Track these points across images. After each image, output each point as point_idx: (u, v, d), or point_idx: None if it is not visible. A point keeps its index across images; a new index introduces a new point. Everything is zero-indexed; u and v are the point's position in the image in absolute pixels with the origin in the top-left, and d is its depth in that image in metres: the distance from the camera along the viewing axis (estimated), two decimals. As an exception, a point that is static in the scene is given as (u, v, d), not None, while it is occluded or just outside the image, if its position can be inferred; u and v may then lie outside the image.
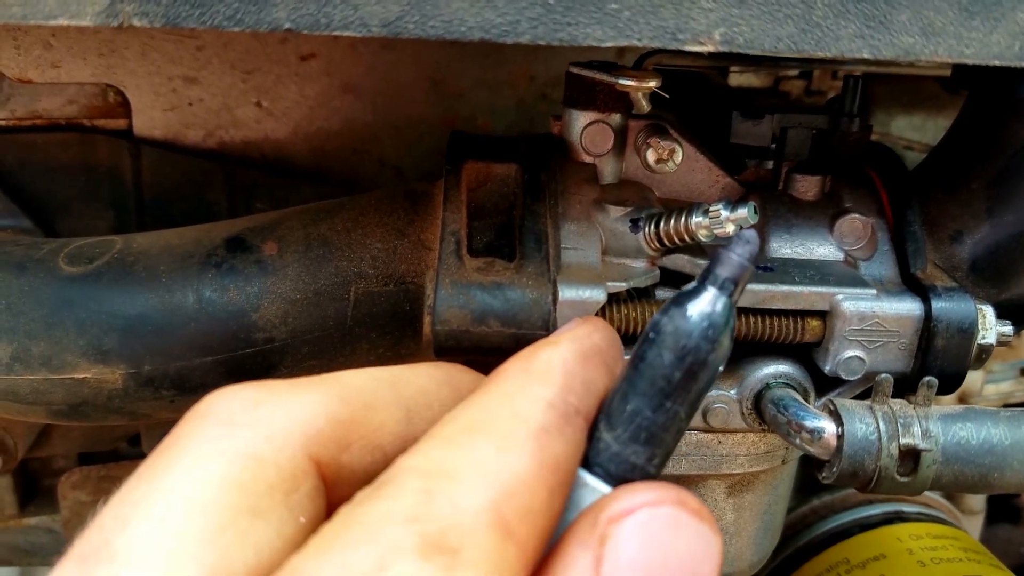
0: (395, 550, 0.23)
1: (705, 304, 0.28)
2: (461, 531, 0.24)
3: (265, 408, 0.27)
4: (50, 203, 0.57)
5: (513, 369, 0.29)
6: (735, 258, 0.28)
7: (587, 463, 0.28)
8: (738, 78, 0.72)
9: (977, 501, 0.88)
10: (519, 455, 0.27)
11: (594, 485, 0.28)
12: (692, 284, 0.29)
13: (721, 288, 0.29)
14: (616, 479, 0.28)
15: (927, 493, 0.76)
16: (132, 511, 0.25)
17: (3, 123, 0.56)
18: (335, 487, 0.27)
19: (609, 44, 0.35)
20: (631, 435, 0.28)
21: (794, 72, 0.74)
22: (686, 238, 0.44)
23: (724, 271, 0.29)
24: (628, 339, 0.45)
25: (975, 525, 0.91)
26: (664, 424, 0.28)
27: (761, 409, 0.47)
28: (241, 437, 0.26)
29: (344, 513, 0.24)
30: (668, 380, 0.28)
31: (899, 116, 0.85)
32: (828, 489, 0.75)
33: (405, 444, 0.27)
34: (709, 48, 0.35)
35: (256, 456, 0.25)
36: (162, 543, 0.24)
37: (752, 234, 0.29)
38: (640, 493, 0.26)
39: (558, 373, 0.29)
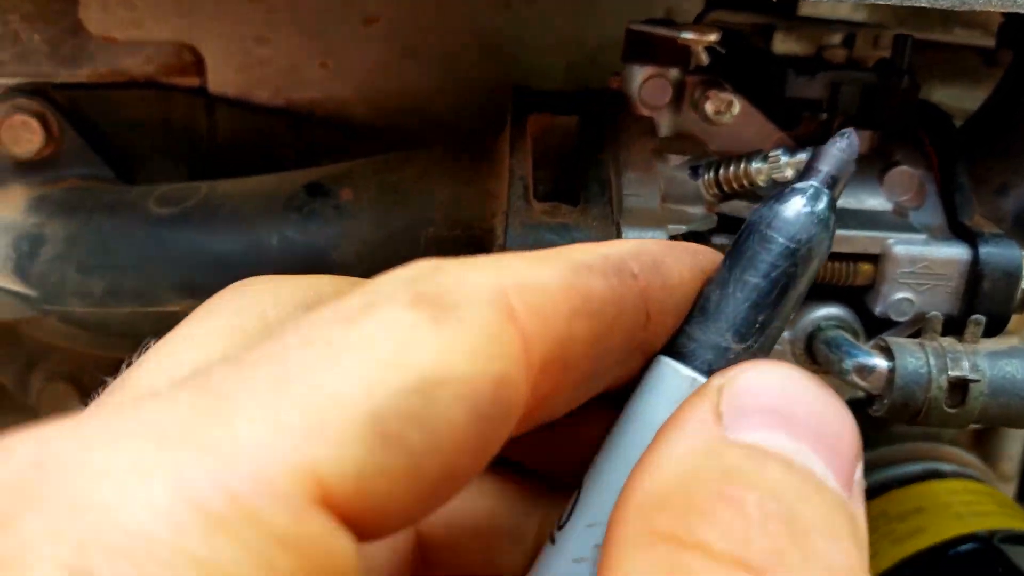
0: (387, 298, 0.22)
1: (815, 199, 0.28)
2: (459, 296, 0.23)
3: (286, 283, 0.29)
4: (130, 156, 0.60)
5: None
6: (837, 153, 0.28)
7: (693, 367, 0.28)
8: (782, 45, 0.74)
9: (1011, 465, 0.90)
10: (545, 267, 0.26)
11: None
12: (800, 183, 0.29)
13: (827, 184, 0.28)
14: None
15: (963, 454, 0.78)
16: (150, 355, 0.26)
17: (87, 80, 0.59)
18: None
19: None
20: (757, 342, 0.28)
21: (837, 40, 0.76)
22: (745, 183, 0.46)
23: (827, 166, 0.29)
24: (687, 280, 0.47)
25: (1008, 492, 0.93)
26: (780, 325, 0.28)
27: (813, 350, 0.49)
28: (264, 301, 0.28)
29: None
30: (791, 277, 0.28)
31: (938, 87, 0.87)
32: (865, 447, 0.77)
33: None
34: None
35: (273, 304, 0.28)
36: (171, 372, 0.25)
37: (851, 131, 0.29)
38: (756, 360, 0.26)
39: (631, 243, 0.29)
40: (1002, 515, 0.68)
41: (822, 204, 0.28)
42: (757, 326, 0.28)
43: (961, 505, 0.69)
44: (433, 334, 0.22)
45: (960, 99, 0.87)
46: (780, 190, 0.29)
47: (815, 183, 0.28)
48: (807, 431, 0.25)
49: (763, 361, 0.26)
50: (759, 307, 0.28)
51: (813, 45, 0.76)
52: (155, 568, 0.17)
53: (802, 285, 0.28)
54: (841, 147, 0.29)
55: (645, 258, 0.28)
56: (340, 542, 0.20)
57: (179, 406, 0.20)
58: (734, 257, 0.29)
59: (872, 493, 0.73)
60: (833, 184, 0.28)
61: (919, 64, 0.85)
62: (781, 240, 0.28)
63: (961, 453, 0.78)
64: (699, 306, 0.29)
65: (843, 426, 0.25)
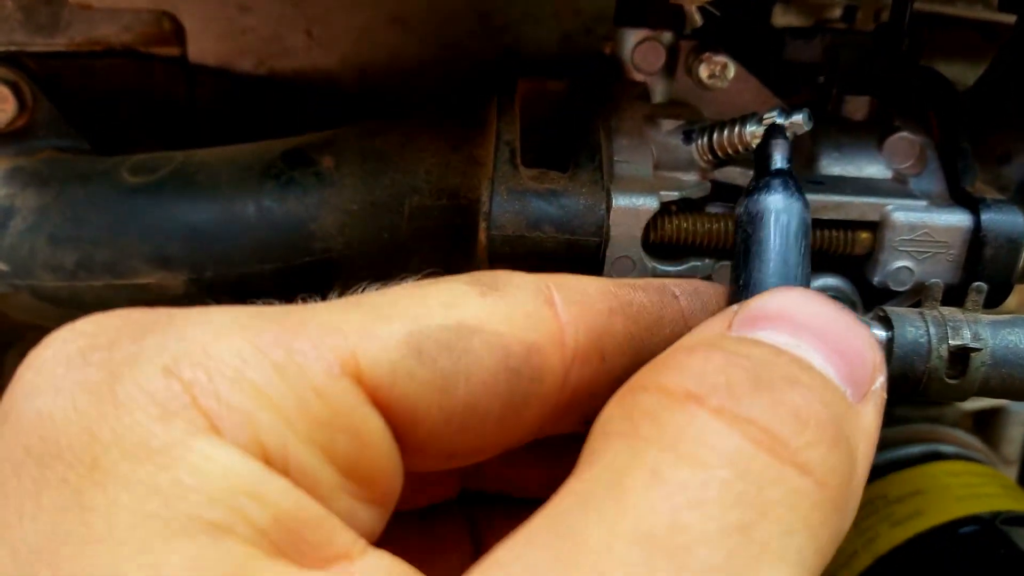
0: (450, 278, 0.30)
1: (789, 180, 0.33)
2: (507, 283, 0.30)
3: None
4: (107, 128, 0.59)
5: None
6: (781, 141, 0.35)
7: None
8: (781, 18, 0.72)
9: (1014, 448, 0.88)
10: (590, 279, 0.31)
11: None
12: (769, 174, 0.34)
13: (786, 165, 0.34)
14: None
15: (964, 436, 0.76)
16: None
17: (63, 48, 0.58)
18: None
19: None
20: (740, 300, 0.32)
21: (837, 14, 0.74)
22: (739, 148, 0.44)
23: (779, 152, 0.35)
24: (680, 250, 0.46)
25: (1010, 475, 0.91)
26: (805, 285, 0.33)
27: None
28: None
29: None
30: (799, 247, 0.33)
31: (940, 64, 0.85)
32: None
33: None
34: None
35: None
36: None
37: (778, 117, 0.36)
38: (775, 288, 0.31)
39: (675, 278, 0.35)
40: (1004, 497, 0.67)
41: (791, 184, 0.33)
42: (740, 289, 0.32)
43: (962, 487, 0.68)
44: (478, 299, 0.29)
45: (962, 75, 0.85)
46: (749, 184, 0.34)
47: (782, 169, 0.34)
48: (810, 333, 0.27)
49: (781, 288, 0.30)
50: (736, 273, 0.33)
51: (812, 19, 0.74)
52: (222, 381, 0.24)
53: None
54: (780, 135, 0.35)
55: (687, 285, 0.34)
56: (366, 412, 0.26)
57: (280, 307, 0.28)
58: (756, 249, 0.33)
59: (871, 476, 0.71)
60: (789, 164, 0.34)
61: (920, 40, 0.84)
62: (788, 222, 0.32)
63: (962, 435, 0.76)
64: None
65: (856, 337, 0.28)
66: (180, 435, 0.23)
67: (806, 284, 0.33)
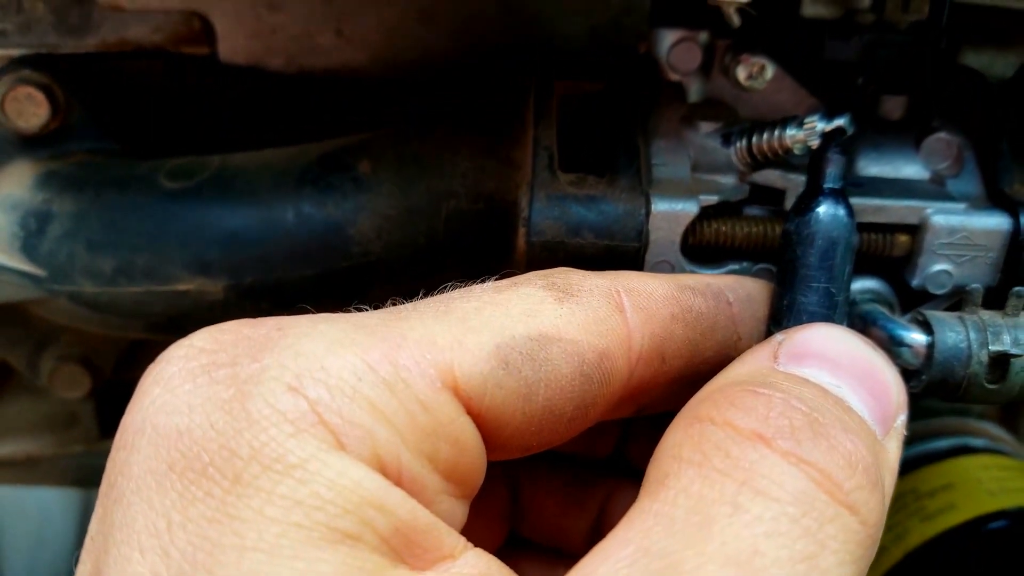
0: (526, 281, 0.33)
1: (841, 201, 0.34)
2: (580, 288, 0.32)
3: None
4: (139, 128, 0.59)
5: None
6: (837, 157, 0.34)
7: None
8: (811, 8, 0.71)
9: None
10: (654, 281, 0.34)
11: None
12: (822, 192, 0.35)
13: (839, 184, 0.35)
14: None
15: (993, 428, 0.76)
16: None
17: (93, 49, 0.57)
18: None
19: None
20: (789, 322, 0.34)
21: (867, 3, 0.73)
22: (779, 152, 0.44)
23: (834, 168, 0.36)
24: (718, 253, 0.46)
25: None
26: (845, 308, 0.35)
27: (849, 325, 0.47)
28: None
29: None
30: (844, 272, 0.35)
31: (969, 53, 0.84)
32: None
33: None
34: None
35: None
36: None
37: (819, 125, 0.37)
38: (816, 323, 0.34)
39: (732, 278, 0.37)
40: (1034, 491, 0.67)
41: (846, 204, 0.34)
42: (784, 308, 0.34)
43: (993, 481, 0.67)
44: (555, 307, 0.31)
45: (991, 65, 0.85)
46: (801, 199, 0.35)
47: (835, 186, 0.35)
48: (848, 374, 0.30)
49: (822, 324, 0.33)
50: (781, 290, 0.34)
51: (842, 8, 0.73)
52: (342, 398, 0.27)
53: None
54: (837, 150, 0.35)
55: (740, 291, 0.37)
56: (464, 421, 0.29)
57: (373, 315, 0.30)
58: (801, 267, 0.35)
59: (901, 470, 0.71)
60: (841, 182, 0.35)
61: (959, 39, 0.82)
62: (837, 241, 0.33)
63: (991, 428, 0.76)
64: (784, 315, 0.36)
65: (885, 377, 0.32)
66: (313, 451, 0.26)
67: (847, 308, 0.35)
